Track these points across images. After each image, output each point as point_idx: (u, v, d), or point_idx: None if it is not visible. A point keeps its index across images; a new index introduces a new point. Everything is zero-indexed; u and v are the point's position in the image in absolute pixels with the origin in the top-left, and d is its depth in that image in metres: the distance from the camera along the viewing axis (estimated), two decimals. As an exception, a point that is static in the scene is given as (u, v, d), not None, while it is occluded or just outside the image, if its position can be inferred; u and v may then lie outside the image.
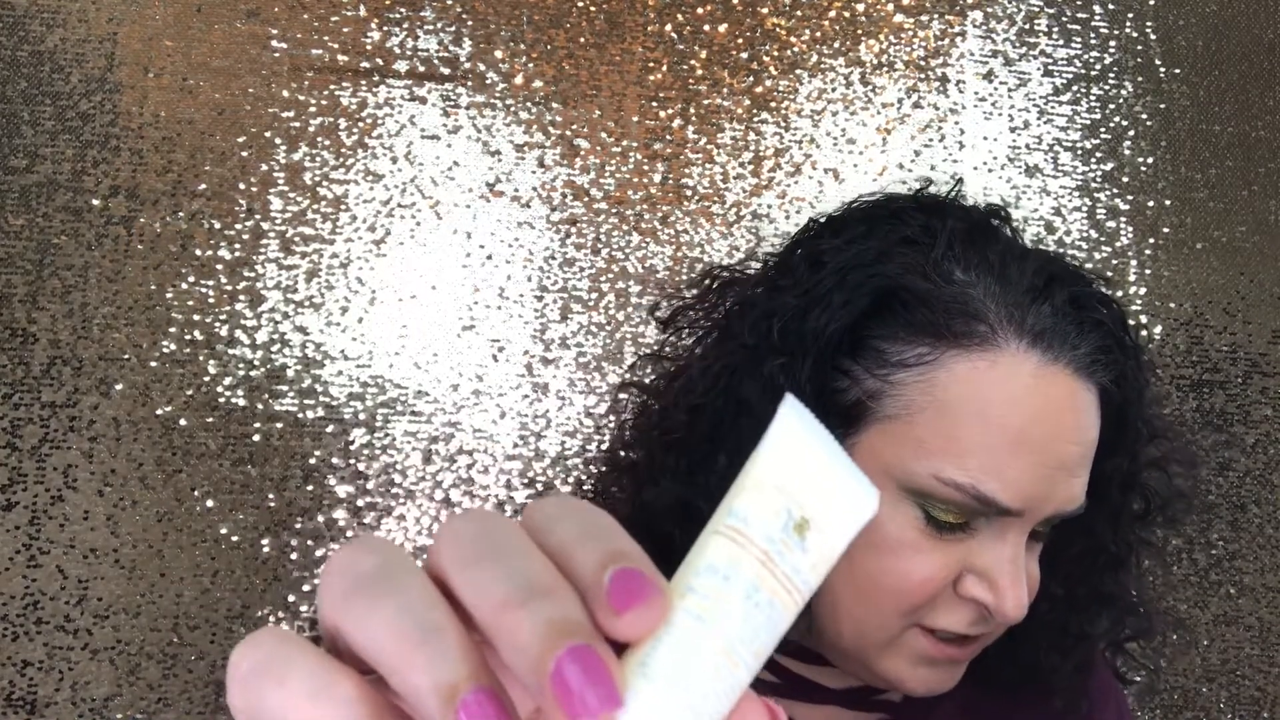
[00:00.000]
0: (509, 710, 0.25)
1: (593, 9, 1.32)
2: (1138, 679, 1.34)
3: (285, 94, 1.26)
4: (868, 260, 0.60)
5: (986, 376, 0.56)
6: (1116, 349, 0.61)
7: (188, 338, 1.21)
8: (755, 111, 1.34)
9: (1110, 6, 1.43)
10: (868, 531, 0.58)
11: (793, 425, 0.29)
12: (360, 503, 1.22)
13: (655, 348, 0.70)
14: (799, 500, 0.28)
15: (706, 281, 0.70)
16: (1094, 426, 0.59)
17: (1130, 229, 1.40)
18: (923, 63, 1.38)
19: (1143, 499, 0.67)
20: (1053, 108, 1.40)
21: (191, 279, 1.22)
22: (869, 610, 0.59)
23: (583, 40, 1.32)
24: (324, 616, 0.28)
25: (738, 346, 0.62)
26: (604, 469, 0.71)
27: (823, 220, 0.67)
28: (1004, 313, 0.58)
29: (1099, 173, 1.40)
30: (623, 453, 0.69)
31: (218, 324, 1.22)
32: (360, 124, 1.27)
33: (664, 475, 0.62)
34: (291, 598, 1.20)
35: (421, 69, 1.29)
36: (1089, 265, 1.38)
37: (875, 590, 0.58)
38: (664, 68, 1.33)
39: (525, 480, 1.25)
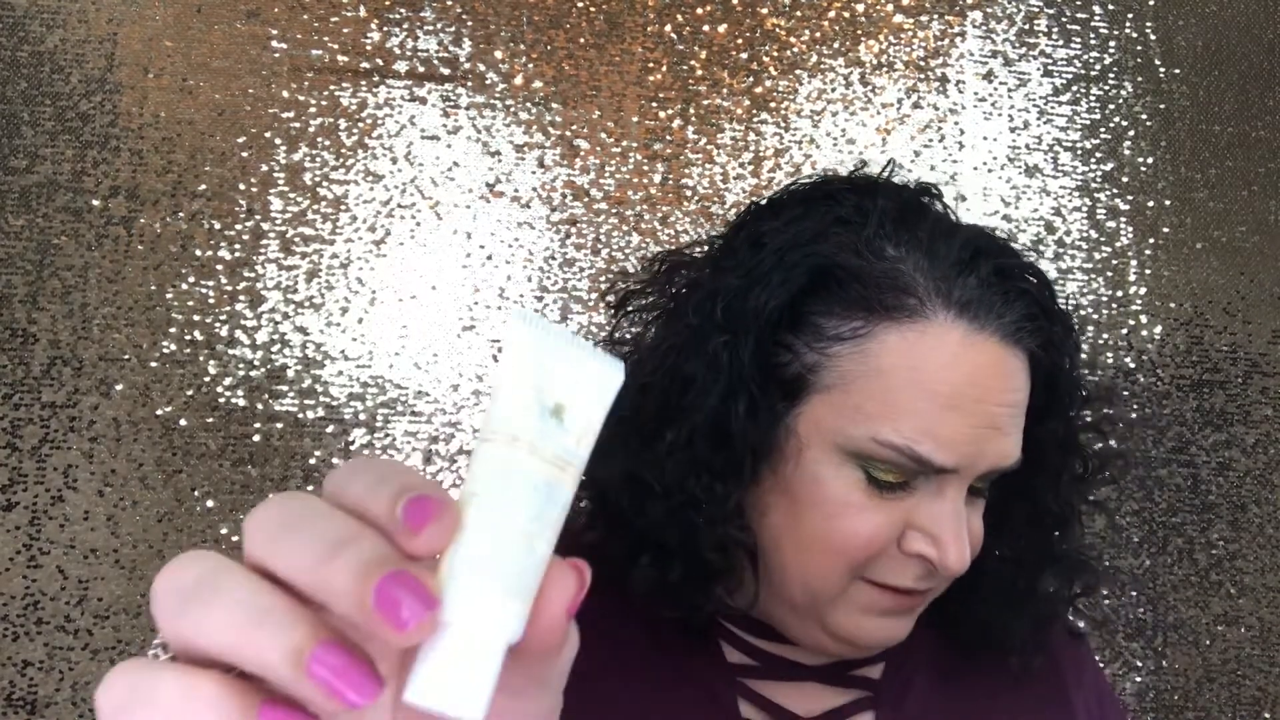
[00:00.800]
0: (358, 654, 0.28)
1: (593, 9, 1.32)
2: (1133, 666, 1.34)
3: (285, 94, 1.26)
4: (804, 240, 0.63)
5: (917, 345, 0.60)
6: (1042, 316, 0.64)
7: (188, 338, 1.21)
8: (755, 112, 1.34)
9: (1110, 7, 1.43)
10: (812, 495, 0.60)
11: (522, 329, 0.32)
12: (360, 503, 1.22)
13: (607, 332, 0.73)
14: (547, 390, 0.32)
15: (655, 265, 0.73)
16: (1022, 389, 0.62)
17: (1130, 229, 1.40)
18: (922, 63, 1.38)
19: (1081, 460, 0.71)
20: (1053, 108, 1.40)
21: (191, 279, 1.22)
22: (817, 568, 0.62)
23: (583, 40, 1.32)
24: (165, 638, 0.30)
25: (683, 326, 0.65)
26: None
27: (763, 203, 0.71)
28: (932, 285, 0.61)
29: (1099, 173, 1.40)
30: None
31: (218, 324, 1.22)
32: (360, 124, 1.27)
33: (615, 451, 0.64)
34: (291, 598, 1.20)
35: (421, 69, 1.29)
36: (1089, 265, 1.38)
37: (822, 549, 0.61)
38: (664, 68, 1.33)
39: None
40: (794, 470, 0.62)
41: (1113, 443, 0.73)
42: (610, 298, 0.76)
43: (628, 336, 0.73)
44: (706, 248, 0.72)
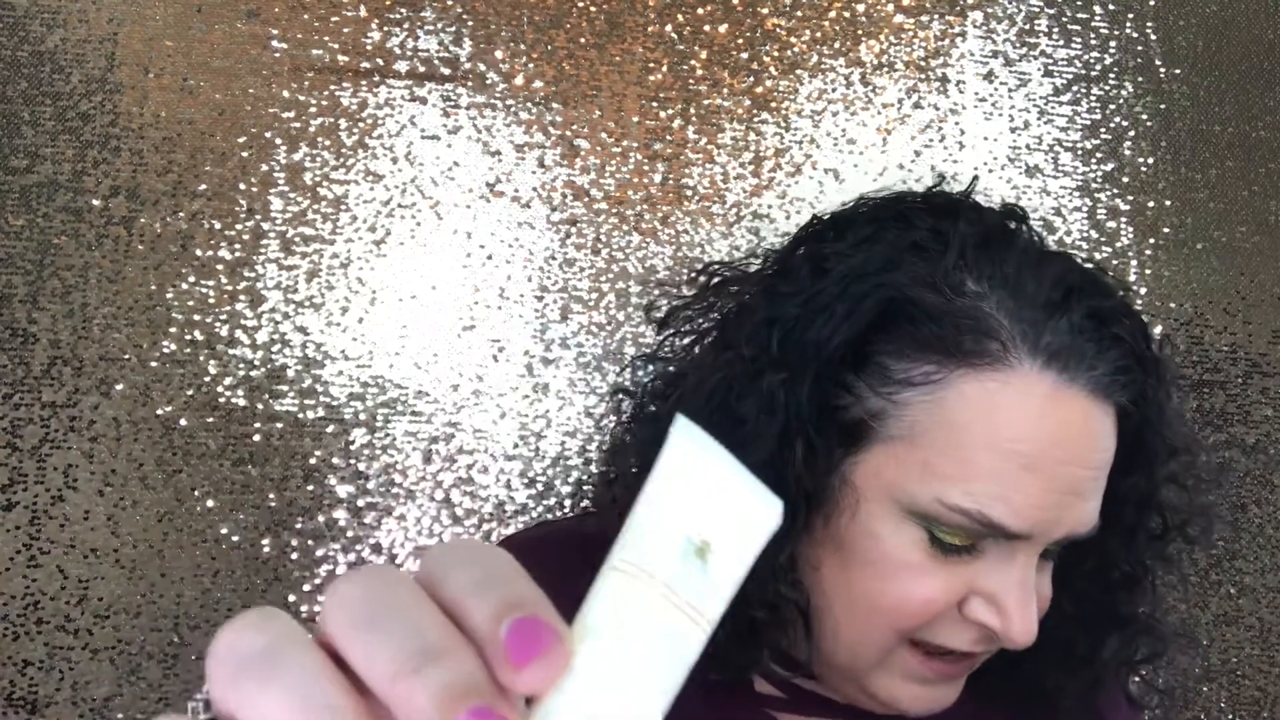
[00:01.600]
0: None
1: (593, 9, 1.32)
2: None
3: (285, 94, 1.26)
4: (874, 268, 0.57)
5: (997, 398, 0.54)
6: (1136, 367, 0.58)
7: (188, 338, 1.21)
8: (755, 112, 1.34)
9: (1110, 7, 1.43)
10: (867, 552, 0.55)
11: (685, 447, 0.28)
12: (360, 503, 1.22)
13: (652, 348, 0.67)
14: (697, 524, 0.27)
15: (703, 279, 0.67)
16: (1109, 449, 0.57)
17: (1130, 229, 1.40)
18: (923, 63, 1.38)
19: (1159, 518, 0.64)
20: (1053, 108, 1.40)
21: (192, 279, 1.22)
22: (866, 630, 0.57)
23: (583, 41, 1.32)
24: (216, 702, 0.27)
25: (735, 357, 0.59)
26: (601, 474, 0.69)
27: (827, 219, 0.63)
28: (1018, 330, 0.54)
29: (1099, 173, 1.40)
30: (616, 461, 0.67)
31: (218, 324, 1.22)
32: (360, 124, 1.27)
33: None
34: (292, 598, 1.20)
35: (421, 69, 1.29)
36: (1089, 265, 1.38)
37: (873, 611, 0.56)
38: (664, 68, 1.33)
39: (525, 480, 1.25)
40: (849, 523, 0.57)
41: (1196, 499, 0.66)
42: (655, 313, 0.69)
43: (661, 351, 0.67)
44: (759, 262, 0.65)
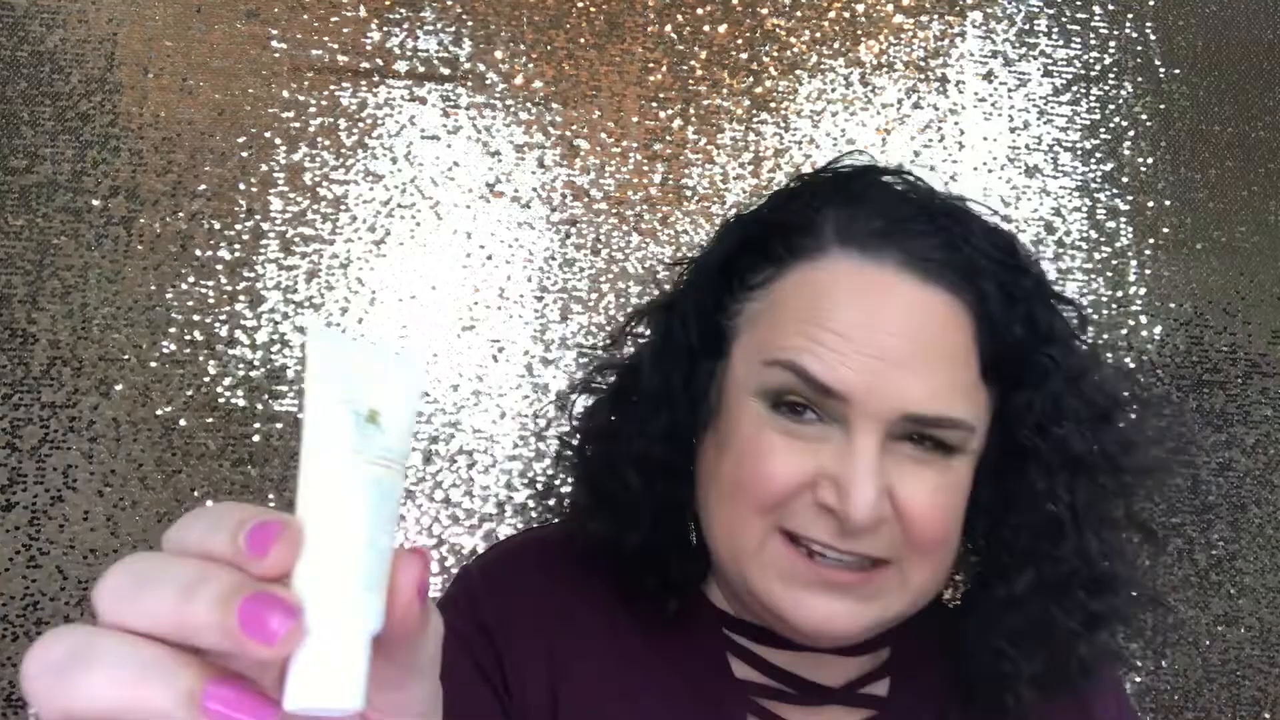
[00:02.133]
0: (247, 683, 0.30)
1: (593, 9, 1.32)
2: (1133, 667, 1.34)
3: (285, 94, 1.26)
4: (751, 213, 0.67)
5: (811, 278, 0.61)
6: (968, 254, 0.61)
7: (188, 338, 1.21)
8: (755, 112, 1.34)
9: (1110, 7, 1.43)
10: (731, 441, 0.61)
11: (322, 345, 0.34)
12: (360, 503, 1.22)
13: (589, 342, 0.76)
14: (358, 399, 0.34)
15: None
16: (934, 326, 0.59)
17: (1130, 229, 1.40)
18: (922, 63, 1.38)
19: (1067, 451, 0.63)
20: (1052, 108, 1.40)
21: (191, 279, 1.22)
22: (734, 513, 0.61)
23: (583, 41, 1.32)
24: (47, 715, 0.31)
25: (658, 309, 0.70)
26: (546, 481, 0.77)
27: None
28: (838, 227, 0.61)
29: (1099, 173, 1.40)
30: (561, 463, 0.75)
31: (218, 324, 1.22)
32: (360, 124, 1.27)
33: (598, 429, 0.69)
34: (291, 598, 1.20)
35: (421, 69, 1.29)
36: (1089, 266, 1.38)
37: (736, 490, 0.61)
38: (664, 68, 1.33)
39: (525, 480, 1.25)
40: (723, 423, 0.63)
41: (1153, 454, 0.66)
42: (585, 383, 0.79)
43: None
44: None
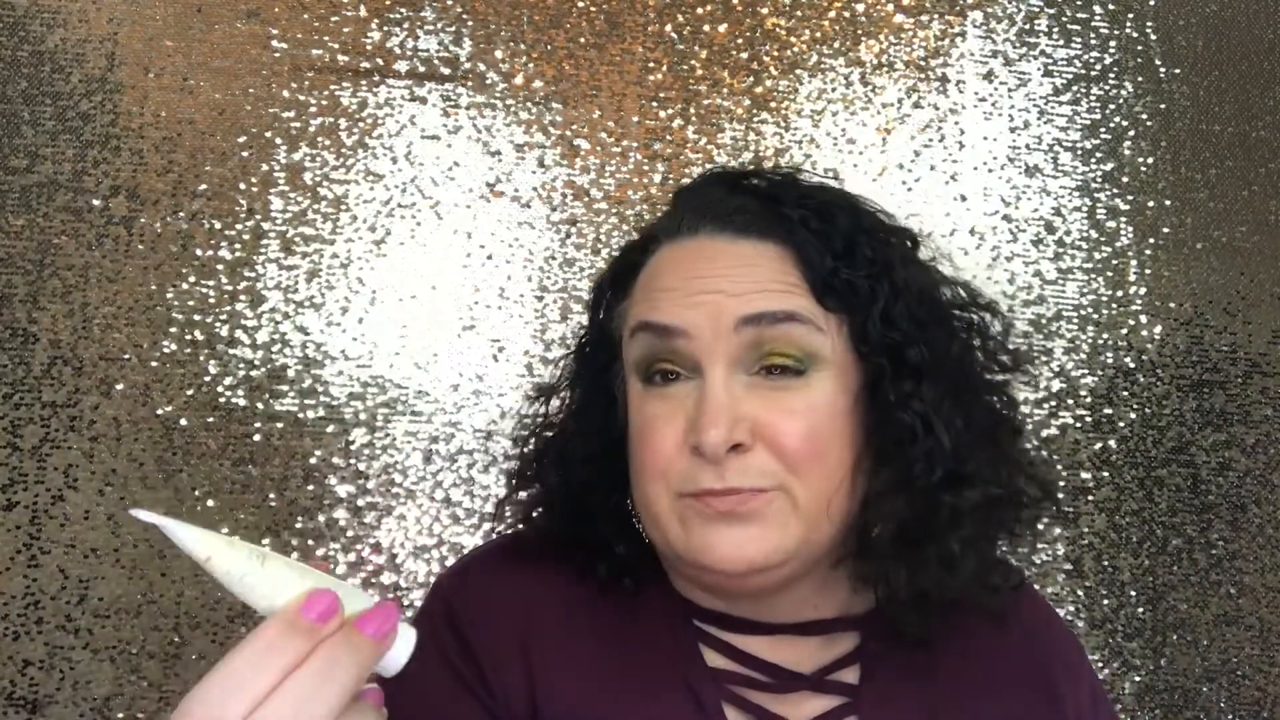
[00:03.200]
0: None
1: (593, 9, 1.32)
2: (1133, 666, 1.34)
3: (285, 94, 1.26)
4: (630, 241, 0.75)
5: (653, 264, 0.69)
6: (762, 205, 0.69)
7: (188, 338, 1.21)
8: (755, 111, 1.34)
9: (1110, 6, 1.43)
10: (631, 426, 0.69)
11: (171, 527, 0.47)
12: (361, 502, 1.22)
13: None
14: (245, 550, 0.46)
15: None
16: (755, 264, 0.66)
17: (1130, 229, 1.40)
18: (923, 63, 1.38)
19: (917, 358, 0.66)
20: (1053, 108, 1.40)
21: (192, 279, 1.22)
22: (644, 488, 0.66)
23: (583, 40, 1.32)
24: None
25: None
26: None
27: None
28: (669, 222, 0.71)
29: (1099, 173, 1.40)
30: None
31: (218, 324, 1.22)
32: (360, 124, 1.27)
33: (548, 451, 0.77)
34: (292, 597, 1.20)
35: (422, 69, 1.29)
36: (1089, 265, 1.38)
37: (639, 468, 0.67)
38: (664, 68, 1.33)
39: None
40: (628, 414, 0.70)
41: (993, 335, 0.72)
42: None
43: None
44: None
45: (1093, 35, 1.42)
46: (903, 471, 0.65)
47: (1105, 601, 1.34)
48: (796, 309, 0.64)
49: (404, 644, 0.43)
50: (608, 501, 0.72)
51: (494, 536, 0.82)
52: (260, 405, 1.22)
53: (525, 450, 0.79)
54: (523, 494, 0.79)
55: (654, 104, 1.32)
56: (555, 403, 0.80)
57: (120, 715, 1.16)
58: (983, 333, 0.71)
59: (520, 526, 0.78)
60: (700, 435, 0.62)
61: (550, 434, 0.77)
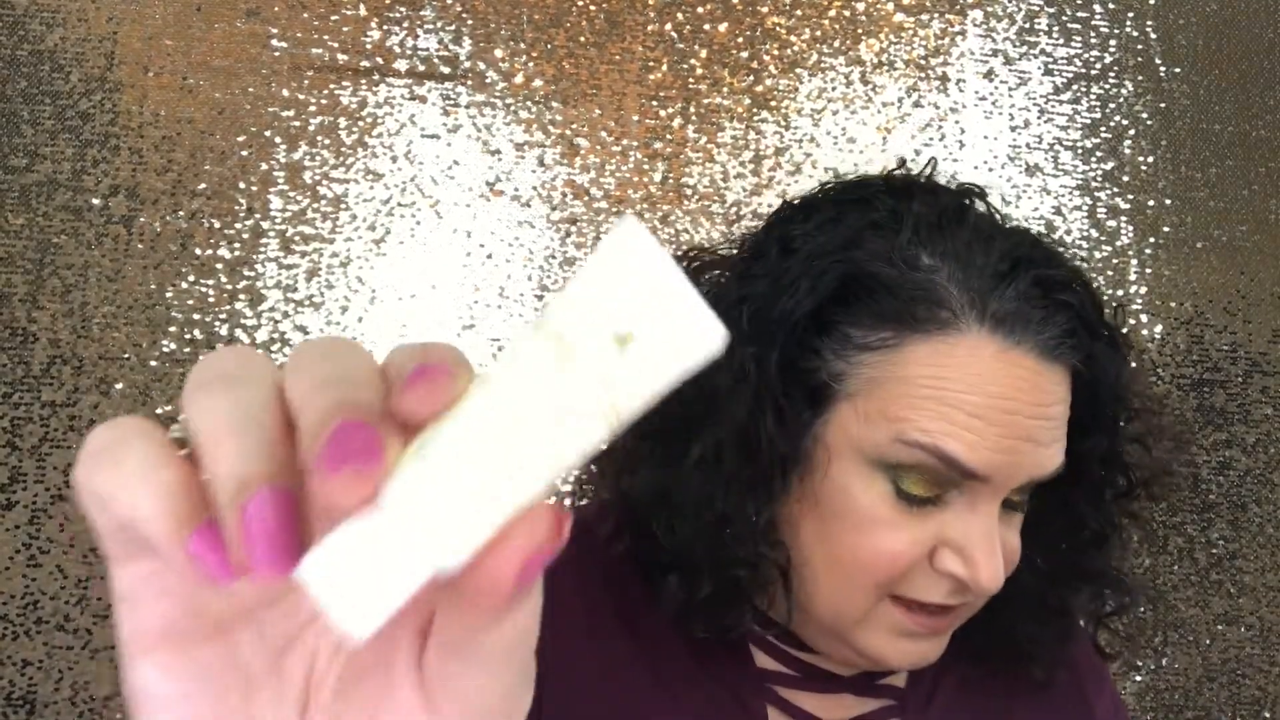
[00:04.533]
0: (293, 516, 0.24)
1: (593, 8, 1.32)
2: (1133, 666, 1.34)
3: (285, 93, 1.26)
4: (835, 246, 0.61)
5: (947, 358, 0.58)
6: (1083, 331, 0.62)
7: (188, 337, 1.21)
8: (755, 111, 1.34)
9: (1110, 6, 1.43)
10: (840, 508, 0.59)
11: (633, 239, 0.26)
12: (360, 502, 1.22)
13: None
14: (625, 314, 0.25)
15: (683, 264, 0.69)
16: (1061, 403, 0.60)
17: (1130, 228, 1.40)
18: (923, 62, 1.38)
19: (1125, 476, 0.68)
20: (1053, 107, 1.40)
21: (191, 278, 1.22)
22: (844, 584, 0.60)
23: (583, 39, 1.32)
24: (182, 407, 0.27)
25: None
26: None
27: (796, 203, 0.68)
28: (966, 298, 0.59)
29: (1099, 172, 1.40)
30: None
31: (218, 323, 1.22)
32: (360, 123, 1.27)
33: (641, 465, 0.63)
34: (291, 597, 1.20)
35: (421, 68, 1.29)
36: (1089, 265, 1.38)
37: (850, 565, 0.59)
38: (664, 67, 1.33)
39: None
40: (823, 482, 0.60)
41: (1158, 455, 0.70)
42: None
43: None
44: (736, 248, 0.69)
45: (1093, 34, 1.42)
46: (1086, 571, 0.68)
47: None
48: (1063, 464, 0.61)
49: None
50: (745, 568, 0.62)
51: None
52: (260, 405, 1.22)
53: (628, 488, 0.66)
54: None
55: (654, 103, 1.32)
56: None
57: (120, 716, 1.16)
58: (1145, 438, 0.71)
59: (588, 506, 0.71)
60: (978, 576, 0.58)
61: (669, 472, 0.63)
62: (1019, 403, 0.58)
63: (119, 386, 1.20)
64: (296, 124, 1.26)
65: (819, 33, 1.36)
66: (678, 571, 0.62)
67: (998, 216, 0.68)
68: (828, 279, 0.60)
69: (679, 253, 0.72)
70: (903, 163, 0.70)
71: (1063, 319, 0.60)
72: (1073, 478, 0.63)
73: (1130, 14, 1.43)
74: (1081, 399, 0.62)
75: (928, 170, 0.69)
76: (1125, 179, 1.41)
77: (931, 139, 1.37)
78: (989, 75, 1.39)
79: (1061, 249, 0.70)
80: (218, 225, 1.23)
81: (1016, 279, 0.60)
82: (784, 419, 0.60)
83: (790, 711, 0.66)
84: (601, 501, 0.70)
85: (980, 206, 0.67)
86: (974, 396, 0.57)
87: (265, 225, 1.24)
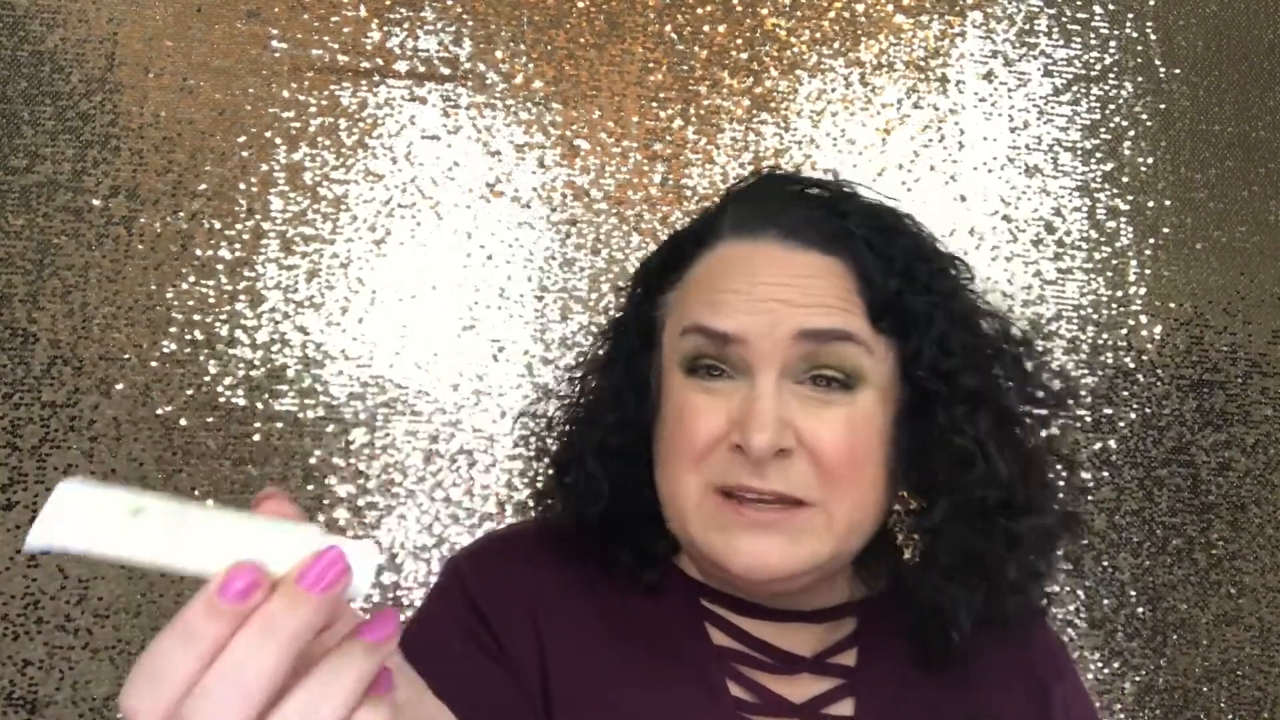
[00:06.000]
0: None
1: (593, 9, 1.32)
2: (1133, 666, 1.34)
3: (285, 94, 1.26)
4: (686, 229, 0.76)
5: (710, 265, 0.70)
6: (833, 223, 0.70)
7: (188, 337, 1.21)
8: (755, 112, 1.34)
9: (1110, 7, 1.43)
10: (667, 412, 0.69)
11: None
12: (361, 502, 1.22)
13: (590, 343, 0.85)
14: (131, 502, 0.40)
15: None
16: (817, 277, 0.68)
17: (1130, 229, 1.40)
18: (922, 63, 1.38)
19: (973, 385, 0.69)
20: (1053, 108, 1.40)
21: (192, 279, 1.22)
22: (672, 475, 0.68)
23: (583, 41, 1.32)
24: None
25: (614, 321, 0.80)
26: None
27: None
28: (732, 220, 0.72)
29: (1099, 173, 1.40)
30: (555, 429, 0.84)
31: (218, 324, 1.22)
32: (360, 124, 1.27)
33: (561, 429, 0.78)
34: (291, 597, 1.20)
35: (421, 69, 1.29)
36: (1089, 265, 1.38)
37: (670, 452, 0.68)
38: (664, 68, 1.33)
39: (526, 479, 1.25)
40: (661, 402, 0.71)
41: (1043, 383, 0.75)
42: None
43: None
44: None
45: (1092, 35, 1.42)
46: (961, 498, 0.68)
47: (1105, 601, 1.34)
48: (854, 330, 0.67)
49: (364, 566, 0.39)
50: (639, 493, 0.73)
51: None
52: (260, 405, 1.22)
53: (563, 435, 0.79)
54: (553, 478, 0.79)
55: (654, 104, 1.32)
56: (568, 387, 0.81)
57: (120, 715, 1.16)
58: (1019, 365, 0.74)
59: (541, 511, 0.80)
60: (748, 436, 0.63)
61: (581, 418, 0.77)
62: (764, 275, 0.67)
63: (119, 387, 1.20)
64: (297, 125, 1.26)
65: (818, 34, 1.36)
66: (588, 504, 0.73)
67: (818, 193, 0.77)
68: (664, 243, 0.76)
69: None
70: (775, 167, 0.82)
71: (804, 213, 0.70)
72: (917, 396, 0.69)
73: (1130, 15, 1.43)
74: (865, 292, 0.69)
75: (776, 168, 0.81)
76: (1125, 180, 1.41)
77: (931, 140, 1.37)
78: (988, 77, 1.39)
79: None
80: (218, 226, 1.23)
81: (768, 194, 0.73)
82: (637, 365, 0.73)
83: (746, 684, 0.70)
84: (541, 517, 0.81)
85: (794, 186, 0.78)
86: (728, 281, 0.68)
87: (266, 226, 1.24)
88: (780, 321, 0.65)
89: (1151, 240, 1.40)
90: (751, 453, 0.63)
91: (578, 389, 0.80)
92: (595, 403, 0.77)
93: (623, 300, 0.80)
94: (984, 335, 0.72)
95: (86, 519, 0.39)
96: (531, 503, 0.82)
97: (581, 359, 0.83)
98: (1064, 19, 1.42)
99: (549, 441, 0.81)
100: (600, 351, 0.80)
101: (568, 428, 0.78)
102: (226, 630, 0.37)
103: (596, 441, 0.74)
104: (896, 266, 0.69)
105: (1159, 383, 1.38)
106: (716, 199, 1.28)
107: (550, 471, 0.79)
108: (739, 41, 1.34)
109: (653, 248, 1.33)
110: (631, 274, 0.81)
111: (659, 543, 0.73)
